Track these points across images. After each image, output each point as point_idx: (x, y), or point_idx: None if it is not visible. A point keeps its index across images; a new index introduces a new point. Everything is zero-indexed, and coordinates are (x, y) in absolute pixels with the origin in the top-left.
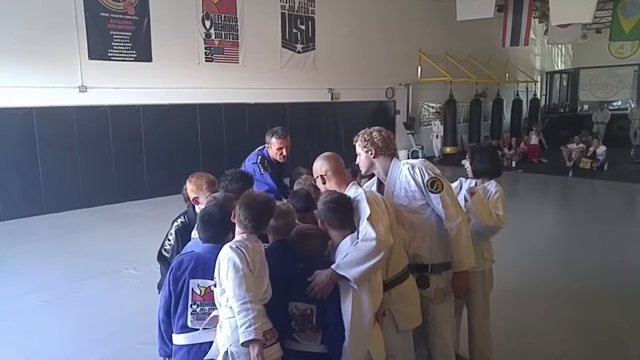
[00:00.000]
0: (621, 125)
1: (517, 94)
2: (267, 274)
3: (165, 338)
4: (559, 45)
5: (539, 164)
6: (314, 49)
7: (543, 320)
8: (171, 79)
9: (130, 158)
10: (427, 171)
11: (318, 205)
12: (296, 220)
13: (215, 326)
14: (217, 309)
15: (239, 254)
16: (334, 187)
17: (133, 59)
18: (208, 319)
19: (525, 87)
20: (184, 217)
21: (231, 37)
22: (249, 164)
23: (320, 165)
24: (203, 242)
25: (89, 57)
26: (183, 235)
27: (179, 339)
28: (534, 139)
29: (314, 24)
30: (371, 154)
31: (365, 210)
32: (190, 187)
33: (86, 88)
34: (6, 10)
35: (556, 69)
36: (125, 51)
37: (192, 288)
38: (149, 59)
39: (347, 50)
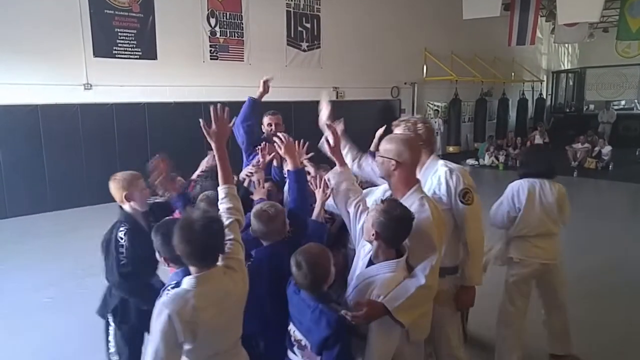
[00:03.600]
0: (627, 125)
1: (523, 94)
2: (240, 310)
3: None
4: (566, 45)
5: None
6: (319, 47)
7: None
8: (176, 76)
9: (135, 156)
10: (463, 180)
11: (375, 213)
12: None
13: None
14: None
15: (165, 321)
16: (400, 181)
17: (138, 56)
18: None
19: (531, 86)
20: (124, 225)
21: (236, 35)
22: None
23: (400, 150)
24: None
25: (94, 54)
26: (136, 240)
27: None
28: (537, 139)
29: (319, 22)
30: None
31: (429, 238)
32: (117, 186)
33: (91, 86)
34: (11, 7)
35: (562, 68)
36: (130, 49)
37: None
38: (153, 56)
39: (352, 49)
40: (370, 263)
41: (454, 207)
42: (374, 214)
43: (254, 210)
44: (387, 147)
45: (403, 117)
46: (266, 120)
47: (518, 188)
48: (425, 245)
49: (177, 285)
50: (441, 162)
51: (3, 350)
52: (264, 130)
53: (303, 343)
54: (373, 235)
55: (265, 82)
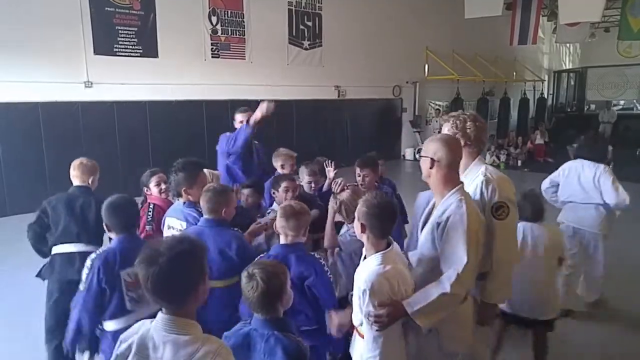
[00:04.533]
0: (627, 125)
1: (524, 93)
2: None
3: (86, 331)
4: (567, 44)
5: (544, 163)
6: (321, 45)
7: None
8: (177, 75)
9: (137, 154)
10: (499, 193)
11: (359, 207)
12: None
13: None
14: None
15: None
16: (439, 181)
17: (139, 54)
18: None
19: (533, 86)
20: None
21: (238, 33)
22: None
23: (436, 149)
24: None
25: (94, 52)
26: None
27: (112, 324)
28: (539, 139)
29: (320, 20)
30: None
31: (461, 242)
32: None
33: (92, 83)
34: (12, 5)
35: (564, 67)
36: (131, 47)
37: (124, 278)
38: (154, 54)
39: (354, 48)
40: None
41: (487, 219)
42: (358, 208)
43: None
44: (427, 146)
45: (453, 113)
46: (239, 117)
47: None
48: (453, 249)
49: None
50: (483, 168)
51: (5, 348)
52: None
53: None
54: (360, 228)
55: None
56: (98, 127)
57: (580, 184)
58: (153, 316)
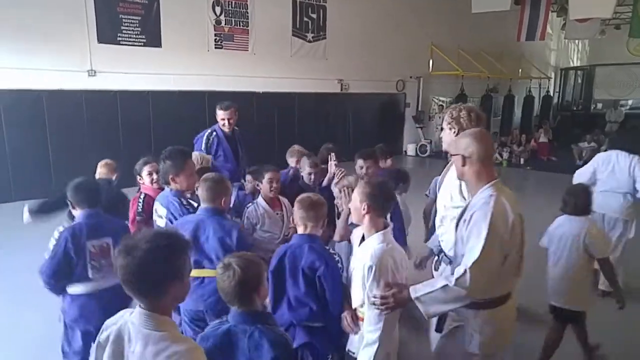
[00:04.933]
0: (635, 124)
1: (530, 91)
2: None
3: (54, 293)
4: (576, 41)
5: (548, 161)
6: (325, 38)
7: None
8: (180, 65)
9: (139, 144)
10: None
11: (359, 190)
12: None
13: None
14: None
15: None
16: (472, 177)
17: (142, 44)
18: None
19: (539, 83)
20: None
21: (241, 24)
22: (197, 144)
23: (467, 144)
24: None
25: (98, 40)
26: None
27: (79, 289)
28: (542, 138)
29: (325, 12)
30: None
31: (478, 239)
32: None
33: (95, 72)
34: None
35: (571, 65)
36: (134, 36)
37: (89, 248)
38: (158, 44)
39: (358, 41)
40: (362, 241)
41: None
42: (359, 192)
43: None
44: (457, 144)
45: (452, 106)
46: (219, 115)
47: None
48: (470, 243)
49: None
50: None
51: (7, 328)
52: (221, 127)
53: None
54: (364, 209)
55: None
56: (101, 116)
57: (614, 173)
58: (113, 289)
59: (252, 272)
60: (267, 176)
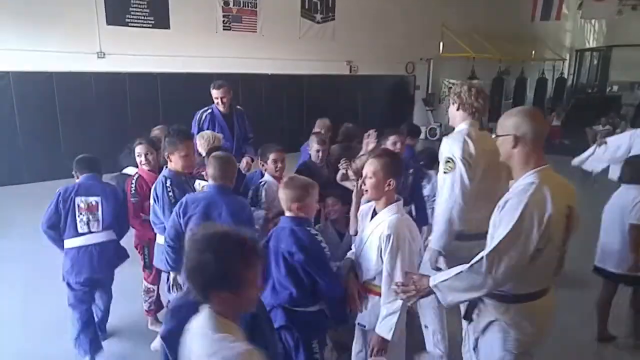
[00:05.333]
0: None
1: (543, 73)
2: None
3: (55, 245)
4: (592, 21)
5: (560, 144)
6: (334, 19)
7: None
8: (189, 47)
9: (148, 126)
10: (448, 149)
11: (376, 163)
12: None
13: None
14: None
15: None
16: (520, 159)
17: (151, 25)
18: None
19: (553, 65)
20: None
21: (250, 5)
22: (194, 120)
23: (517, 123)
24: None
25: (106, 22)
26: None
27: (70, 243)
28: (555, 121)
29: None
30: (518, 143)
31: (506, 228)
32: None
33: (104, 54)
34: None
35: (587, 46)
36: (143, 17)
37: (77, 203)
38: (166, 26)
39: (367, 22)
40: (374, 215)
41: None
42: (377, 168)
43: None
44: (504, 124)
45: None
46: (213, 93)
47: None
48: (498, 231)
49: None
50: (465, 126)
51: (25, 309)
52: (217, 106)
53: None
54: (389, 185)
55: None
56: (110, 98)
57: None
58: (100, 246)
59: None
60: (271, 157)
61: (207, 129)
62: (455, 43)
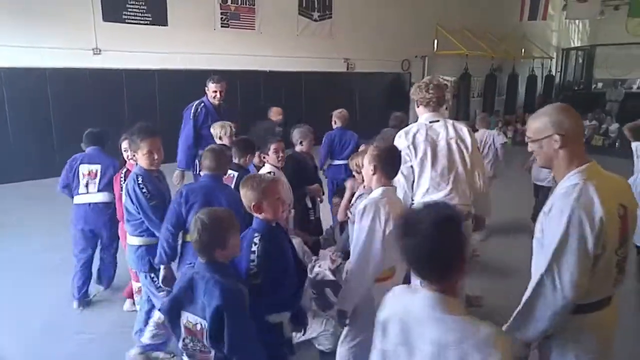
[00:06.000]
0: (635, 104)
1: (533, 70)
2: None
3: (69, 197)
4: (576, 21)
5: None
6: (331, 17)
7: None
8: (186, 44)
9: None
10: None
11: (369, 153)
12: None
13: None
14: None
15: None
16: (564, 160)
17: (148, 22)
18: None
19: (541, 63)
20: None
21: (248, 2)
22: (186, 113)
23: (558, 121)
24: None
25: (103, 18)
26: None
27: (75, 200)
28: None
29: None
30: (558, 142)
31: (553, 235)
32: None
33: (100, 51)
34: None
35: (572, 45)
36: (140, 14)
37: (82, 171)
38: (164, 22)
39: (364, 20)
40: None
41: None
42: (367, 156)
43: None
44: (537, 125)
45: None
46: (212, 87)
47: None
48: (548, 239)
49: None
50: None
51: (18, 308)
52: (209, 99)
53: (198, 327)
54: (372, 170)
55: None
56: (106, 95)
57: None
58: (98, 205)
59: (215, 229)
60: (272, 147)
61: (202, 121)
62: (449, 41)
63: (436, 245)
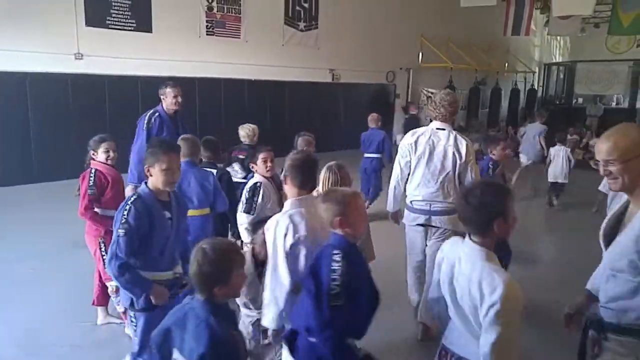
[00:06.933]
0: (613, 120)
1: (516, 84)
2: None
3: None
4: (558, 38)
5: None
6: (317, 27)
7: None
8: (171, 51)
9: (127, 129)
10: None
11: (286, 161)
12: None
13: None
14: None
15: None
16: (632, 180)
17: (132, 28)
18: None
19: (524, 77)
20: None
21: (233, 11)
22: (140, 124)
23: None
24: None
25: (86, 23)
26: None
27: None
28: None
29: (317, 2)
30: None
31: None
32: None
33: (82, 56)
34: None
35: (554, 61)
36: (124, 20)
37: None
38: (148, 29)
39: (349, 31)
40: None
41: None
42: (286, 164)
43: None
44: (627, 146)
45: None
46: (171, 92)
47: None
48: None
49: None
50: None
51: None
52: (167, 105)
53: None
54: (284, 180)
55: None
56: (88, 101)
57: None
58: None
59: (218, 265)
60: (261, 156)
61: (156, 132)
62: (434, 53)
63: (481, 206)
